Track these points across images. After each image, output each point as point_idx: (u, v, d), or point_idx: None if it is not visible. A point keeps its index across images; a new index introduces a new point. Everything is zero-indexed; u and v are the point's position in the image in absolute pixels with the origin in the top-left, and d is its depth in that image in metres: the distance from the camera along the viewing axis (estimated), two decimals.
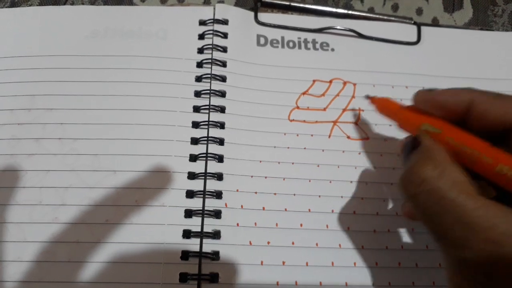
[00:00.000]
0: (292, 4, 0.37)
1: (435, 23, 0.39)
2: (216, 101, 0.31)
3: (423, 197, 0.20)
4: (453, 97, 0.22)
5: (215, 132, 0.30)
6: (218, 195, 0.28)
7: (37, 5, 0.37)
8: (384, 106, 0.28)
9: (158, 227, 0.27)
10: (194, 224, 0.27)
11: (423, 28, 0.36)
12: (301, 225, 0.28)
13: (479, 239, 0.17)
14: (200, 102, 0.31)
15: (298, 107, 0.32)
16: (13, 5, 0.37)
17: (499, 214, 0.18)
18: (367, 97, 0.30)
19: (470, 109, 0.22)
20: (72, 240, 0.27)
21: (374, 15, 0.37)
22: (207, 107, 0.31)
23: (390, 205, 0.29)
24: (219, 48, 0.33)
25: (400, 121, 0.26)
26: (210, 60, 0.32)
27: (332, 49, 0.35)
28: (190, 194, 0.28)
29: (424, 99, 0.24)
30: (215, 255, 0.27)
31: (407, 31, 0.36)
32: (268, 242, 0.27)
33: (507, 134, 0.21)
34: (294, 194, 0.29)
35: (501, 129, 0.21)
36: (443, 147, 0.21)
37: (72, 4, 0.37)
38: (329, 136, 0.31)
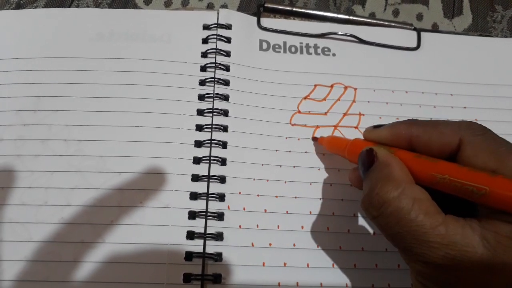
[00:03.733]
0: (294, 9, 0.37)
1: (435, 28, 0.39)
2: (219, 104, 0.32)
3: (384, 219, 0.20)
4: (394, 135, 0.24)
5: (218, 135, 0.31)
6: (221, 197, 0.29)
7: (43, 7, 0.37)
8: (332, 144, 0.29)
9: (162, 228, 0.28)
10: (197, 225, 0.28)
11: (423, 34, 0.37)
12: (302, 227, 0.29)
13: (438, 256, 0.19)
14: (203, 105, 0.32)
15: (299, 112, 0.33)
16: (18, 7, 0.37)
17: (457, 231, 0.19)
18: (313, 139, 0.31)
19: (412, 143, 0.23)
20: (77, 240, 0.27)
21: (375, 21, 0.37)
22: (211, 110, 0.31)
23: None
24: (222, 53, 0.34)
25: (350, 152, 0.26)
26: (213, 64, 0.33)
27: (334, 54, 0.35)
28: (194, 196, 0.29)
29: (371, 137, 0.25)
30: (218, 256, 0.27)
31: (407, 37, 0.37)
32: (270, 244, 0.28)
33: (457, 152, 0.21)
34: (296, 197, 0.30)
35: (448, 153, 0.22)
36: (399, 159, 0.22)
37: (77, 6, 0.38)
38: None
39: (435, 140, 0.22)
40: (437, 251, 0.19)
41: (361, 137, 0.31)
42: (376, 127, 0.25)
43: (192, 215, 0.28)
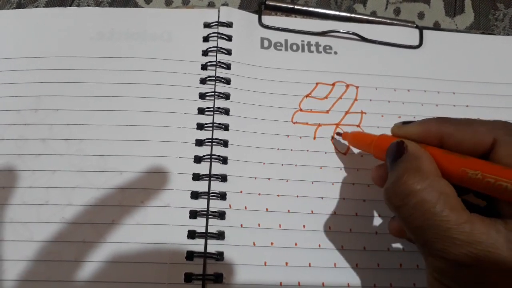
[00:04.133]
0: (296, 7, 0.37)
1: (436, 27, 0.39)
2: (220, 103, 0.32)
3: (408, 210, 0.20)
4: (424, 132, 0.23)
5: (219, 134, 0.31)
6: (222, 196, 0.29)
7: (43, 7, 0.37)
8: (356, 139, 0.29)
9: (164, 227, 0.28)
10: (198, 224, 0.28)
11: (425, 32, 0.37)
12: (304, 226, 0.29)
13: (460, 253, 0.18)
14: (204, 104, 0.32)
15: (301, 110, 0.33)
16: (19, 6, 0.37)
17: (482, 230, 0.18)
18: (337, 134, 0.31)
19: (443, 140, 0.22)
20: (79, 240, 0.27)
21: (376, 19, 0.37)
22: (212, 109, 0.31)
23: None
24: (223, 51, 0.33)
25: (376, 147, 0.26)
26: (214, 62, 0.33)
27: (335, 52, 0.35)
28: (195, 195, 0.29)
29: (399, 133, 0.25)
30: (219, 256, 0.27)
31: (409, 35, 0.36)
32: (272, 243, 0.28)
33: (490, 152, 0.21)
34: (297, 196, 0.29)
35: (480, 153, 0.21)
36: (429, 153, 0.22)
37: (78, 5, 0.37)
38: (332, 139, 0.32)
39: (468, 138, 0.21)
40: (460, 248, 0.18)
41: None
42: (406, 123, 0.24)
43: (193, 214, 0.28)
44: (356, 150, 0.31)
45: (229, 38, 0.34)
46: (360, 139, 0.29)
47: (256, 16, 0.36)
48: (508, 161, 0.20)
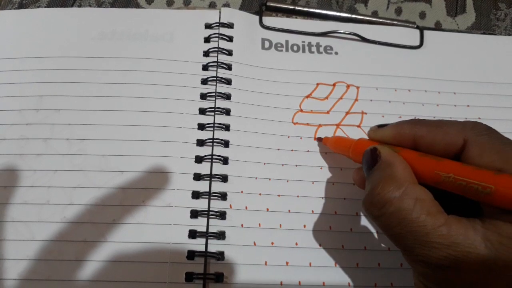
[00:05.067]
0: (296, 8, 0.37)
1: (438, 26, 0.39)
2: (221, 103, 0.32)
3: (386, 219, 0.20)
4: (398, 135, 0.24)
5: (220, 134, 0.31)
6: (223, 196, 0.29)
7: (45, 7, 0.37)
8: (337, 144, 0.29)
9: (165, 227, 0.28)
10: (199, 224, 0.28)
11: (425, 32, 0.37)
12: (304, 226, 0.29)
13: (439, 256, 0.19)
14: (205, 104, 0.32)
15: (302, 110, 0.33)
16: (21, 6, 0.37)
17: (459, 231, 0.18)
18: (317, 139, 0.31)
19: (416, 142, 0.23)
20: (80, 239, 0.27)
21: (377, 19, 0.37)
22: (213, 109, 0.31)
23: None
24: (224, 51, 0.33)
25: (354, 152, 0.26)
26: (215, 63, 0.33)
27: (336, 53, 0.35)
28: (196, 195, 0.29)
29: (375, 137, 0.25)
30: (220, 255, 0.27)
31: (410, 35, 0.37)
32: (272, 243, 0.28)
33: (462, 152, 0.21)
34: (298, 196, 0.30)
35: (453, 153, 0.22)
36: (403, 158, 0.22)
37: (80, 6, 0.38)
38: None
39: (439, 140, 0.22)
40: (439, 251, 0.18)
41: (364, 136, 0.31)
42: (381, 126, 0.25)
43: (194, 214, 0.28)
44: None
45: (230, 39, 0.34)
46: (339, 144, 0.29)
47: (257, 17, 0.36)
48: (478, 161, 0.20)
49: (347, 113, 0.33)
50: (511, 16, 0.40)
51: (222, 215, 0.28)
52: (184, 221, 0.28)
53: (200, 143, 0.30)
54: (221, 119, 0.31)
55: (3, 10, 0.37)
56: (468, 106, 0.34)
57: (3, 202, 0.28)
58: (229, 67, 0.33)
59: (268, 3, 0.37)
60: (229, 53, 0.34)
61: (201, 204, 0.29)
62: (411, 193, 0.20)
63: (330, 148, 0.30)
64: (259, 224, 0.28)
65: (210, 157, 0.30)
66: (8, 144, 0.30)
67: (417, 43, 0.36)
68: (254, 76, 0.33)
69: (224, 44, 0.34)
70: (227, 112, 0.31)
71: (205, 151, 0.30)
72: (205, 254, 0.27)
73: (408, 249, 0.20)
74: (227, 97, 0.32)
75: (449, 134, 0.22)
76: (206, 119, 0.31)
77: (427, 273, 0.20)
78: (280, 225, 0.28)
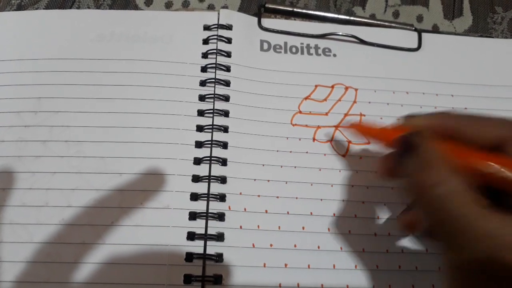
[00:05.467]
0: (295, 10, 0.37)
1: (435, 30, 0.39)
2: (220, 105, 0.32)
3: (427, 205, 0.20)
4: (433, 125, 0.23)
5: (219, 136, 0.31)
6: (221, 198, 0.29)
7: (44, 9, 0.37)
8: (366, 128, 0.28)
9: (163, 229, 0.28)
10: (198, 226, 0.28)
11: (423, 35, 0.37)
12: (303, 228, 0.29)
13: (479, 248, 0.18)
14: (204, 106, 0.32)
15: (300, 112, 0.33)
16: (19, 8, 0.37)
17: (502, 224, 0.18)
18: (346, 123, 0.31)
19: (448, 134, 0.22)
20: (78, 241, 0.27)
21: (375, 21, 0.37)
22: (211, 111, 0.31)
23: (391, 209, 0.30)
24: (223, 53, 0.34)
25: (386, 139, 0.25)
26: (214, 65, 0.33)
27: (334, 55, 0.35)
28: (194, 196, 0.29)
29: (409, 124, 0.24)
30: (218, 257, 0.27)
31: (408, 38, 0.37)
32: (271, 245, 0.28)
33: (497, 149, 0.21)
34: (296, 198, 0.30)
35: (487, 149, 0.21)
36: (442, 146, 0.21)
37: (78, 8, 0.38)
38: (331, 141, 0.32)
39: (475, 134, 0.21)
40: (478, 242, 0.18)
41: (364, 139, 0.31)
42: (413, 116, 0.24)
43: (193, 216, 0.28)
44: (355, 152, 0.31)
45: (228, 41, 0.34)
46: (369, 129, 0.28)
47: (255, 19, 0.36)
48: None
49: (345, 114, 0.33)
50: (507, 19, 0.40)
51: (220, 217, 0.28)
52: (182, 223, 0.28)
53: (199, 144, 0.30)
54: (219, 120, 0.31)
55: (2, 11, 0.37)
56: (465, 108, 0.34)
57: (1, 204, 0.28)
58: (227, 69, 0.33)
59: (266, 5, 0.37)
60: (228, 54, 0.34)
61: (199, 206, 0.28)
62: (453, 180, 0.19)
63: (359, 133, 0.29)
64: (258, 226, 0.28)
65: (209, 158, 0.30)
66: (7, 146, 0.30)
67: (415, 45, 0.36)
68: (253, 78, 0.33)
69: (222, 46, 0.34)
70: (225, 113, 0.31)
71: (203, 152, 0.30)
72: (204, 256, 0.27)
73: (447, 238, 0.19)
74: (226, 98, 0.32)
75: (487, 128, 0.21)
76: (204, 121, 0.31)
77: (462, 264, 0.19)
78: (279, 227, 0.28)
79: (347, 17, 0.37)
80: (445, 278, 0.21)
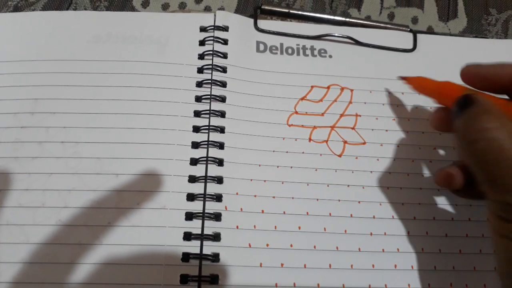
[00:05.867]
0: (291, 11, 0.37)
1: (430, 31, 0.40)
2: (216, 106, 0.32)
3: (482, 144, 0.21)
4: (498, 70, 0.25)
5: (215, 137, 0.31)
6: (218, 198, 0.29)
7: (40, 10, 0.37)
8: (421, 84, 0.30)
9: (159, 229, 0.28)
10: (194, 226, 0.28)
11: (419, 36, 0.37)
12: (299, 227, 0.29)
13: None
14: (200, 107, 0.32)
15: (296, 112, 0.33)
16: (16, 9, 0.37)
17: None
18: (401, 78, 0.32)
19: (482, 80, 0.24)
20: (75, 242, 0.27)
21: (371, 23, 0.38)
22: (208, 112, 0.31)
23: (387, 209, 0.30)
24: (219, 54, 0.34)
25: (441, 95, 0.27)
26: (210, 66, 0.33)
27: (330, 56, 0.35)
28: (191, 197, 0.29)
29: (470, 71, 0.26)
30: (215, 257, 0.27)
31: (404, 39, 0.37)
32: (267, 245, 0.28)
33: None
34: (293, 198, 0.30)
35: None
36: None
37: (75, 9, 0.38)
38: (327, 141, 0.32)
39: (497, 73, 0.24)
40: None
41: (360, 139, 0.32)
42: (477, 64, 0.26)
43: (189, 216, 0.28)
44: (351, 152, 0.32)
45: (225, 42, 0.34)
46: (425, 84, 0.30)
47: (251, 20, 0.36)
48: None
49: (341, 115, 0.33)
50: (502, 21, 0.41)
51: (217, 217, 0.28)
52: (179, 223, 0.28)
53: (195, 145, 0.30)
54: (216, 121, 0.31)
55: None
56: None
57: None
58: (224, 70, 0.33)
59: (263, 7, 0.37)
60: (224, 56, 0.34)
61: (196, 206, 0.29)
62: (509, 126, 0.21)
63: (415, 88, 0.31)
64: (254, 226, 0.28)
65: (205, 159, 0.30)
66: (3, 147, 0.30)
67: (411, 46, 0.37)
68: (249, 79, 0.33)
69: (219, 47, 0.34)
70: (222, 114, 0.32)
71: (200, 153, 0.30)
72: (200, 256, 0.27)
73: (497, 178, 0.21)
74: (222, 99, 0.32)
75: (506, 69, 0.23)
76: (201, 121, 0.31)
77: (510, 204, 0.20)
78: (275, 227, 0.29)
79: (343, 19, 0.37)
80: (489, 217, 0.22)
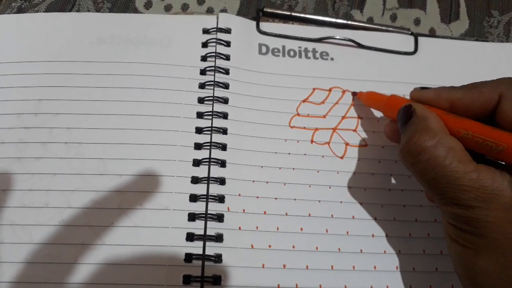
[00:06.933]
0: (293, 14, 0.38)
1: (432, 33, 0.40)
2: (219, 107, 0.32)
3: (421, 165, 0.22)
4: (437, 97, 0.26)
5: (218, 138, 0.31)
6: (220, 199, 0.29)
7: (44, 12, 0.38)
8: (370, 98, 0.32)
9: (162, 230, 0.28)
10: (197, 227, 0.28)
11: (420, 39, 0.37)
12: (301, 229, 0.29)
13: (469, 198, 0.21)
14: (203, 108, 0.32)
15: (298, 114, 0.33)
16: (20, 11, 0.37)
17: (488, 176, 0.21)
18: (353, 93, 0.34)
19: (453, 105, 0.25)
20: (78, 242, 0.27)
21: (372, 26, 0.38)
22: (210, 113, 0.32)
23: (388, 210, 0.30)
24: (222, 56, 0.34)
25: (386, 106, 0.29)
26: (213, 68, 0.33)
27: (332, 59, 0.36)
28: (194, 198, 0.29)
29: (416, 96, 0.27)
30: (217, 258, 0.27)
31: (405, 42, 0.37)
32: (269, 246, 0.28)
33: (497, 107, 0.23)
34: (295, 199, 0.30)
35: (490, 111, 0.23)
36: (435, 113, 0.24)
37: (78, 11, 0.38)
38: (329, 143, 0.32)
39: (475, 99, 0.24)
40: (469, 193, 0.21)
41: (362, 141, 0.32)
42: (423, 88, 0.27)
43: (192, 217, 0.28)
44: (352, 154, 0.32)
45: (227, 44, 0.35)
46: (372, 98, 0.32)
47: (254, 23, 0.36)
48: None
49: (343, 117, 0.33)
50: (503, 23, 0.41)
51: (219, 218, 0.28)
52: (181, 224, 0.28)
53: (198, 146, 0.31)
54: (218, 122, 0.31)
55: (2, 14, 0.37)
56: None
57: (1, 205, 0.28)
58: (226, 72, 0.33)
59: (265, 9, 0.37)
60: (227, 57, 0.34)
61: (198, 207, 0.29)
62: (445, 142, 0.22)
63: (364, 102, 0.33)
64: (257, 227, 0.29)
65: (208, 160, 0.30)
66: (7, 147, 0.30)
67: (412, 49, 0.37)
68: (251, 81, 0.34)
69: (221, 49, 0.34)
70: (224, 116, 0.32)
71: (202, 154, 0.30)
72: (203, 257, 0.27)
73: (441, 192, 0.22)
74: (225, 101, 0.32)
75: (484, 93, 0.23)
76: (203, 123, 0.31)
77: (457, 214, 0.22)
78: (277, 228, 0.29)
79: (345, 21, 0.38)
80: (443, 224, 0.24)
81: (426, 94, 0.26)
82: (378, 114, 0.34)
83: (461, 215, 0.22)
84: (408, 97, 0.28)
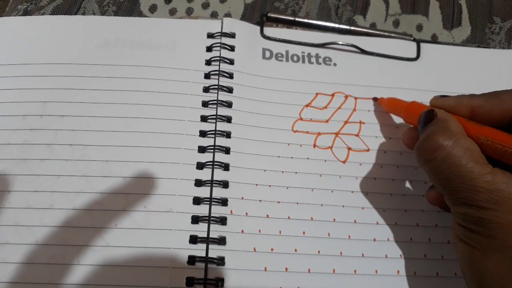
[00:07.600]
0: (297, 19, 0.38)
1: (434, 39, 0.40)
2: (222, 111, 0.32)
3: (437, 163, 0.23)
4: (458, 104, 0.26)
5: (221, 141, 0.31)
6: (223, 202, 0.29)
7: (50, 14, 0.38)
8: (391, 104, 0.32)
9: (166, 232, 0.28)
10: (200, 230, 0.28)
11: (422, 45, 0.38)
12: (303, 232, 0.29)
13: (482, 199, 0.21)
14: (207, 112, 0.32)
15: (301, 119, 0.33)
16: (26, 13, 0.38)
17: (502, 180, 0.21)
18: (374, 99, 0.34)
19: (474, 113, 0.25)
20: (82, 244, 0.28)
21: (375, 31, 0.38)
22: (214, 116, 0.32)
23: (390, 215, 0.30)
24: (226, 60, 0.34)
25: (407, 114, 0.30)
26: (217, 72, 0.34)
27: (335, 64, 0.36)
28: (197, 200, 0.29)
29: (436, 103, 0.28)
30: (220, 261, 0.27)
31: (407, 48, 0.37)
32: (272, 249, 0.28)
33: None
34: (297, 203, 0.30)
35: (510, 119, 0.24)
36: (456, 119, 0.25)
37: (83, 14, 0.38)
38: (331, 147, 0.32)
39: (495, 107, 0.24)
40: (482, 195, 0.21)
41: (364, 146, 0.32)
42: (443, 96, 0.28)
43: (195, 219, 0.28)
44: (355, 158, 0.32)
45: (231, 48, 0.35)
46: (393, 104, 0.32)
47: (258, 28, 0.37)
48: None
49: (345, 122, 0.34)
50: (505, 29, 0.41)
51: (222, 221, 0.29)
52: (185, 227, 0.28)
53: (202, 149, 0.31)
54: (222, 126, 0.32)
55: (8, 16, 0.37)
56: None
57: (7, 206, 0.29)
58: (230, 76, 0.34)
59: (269, 14, 0.38)
60: (231, 62, 0.34)
61: (202, 210, 0.29)
62: (462, 142, 0.22)
63: (384, 107, 0.33)
64: (259, 230, 0.29)
65: (211, 163, 0.30)
66: (12, 149, 0.30)
67: (414, 55, 0.37)
68: (255, 85, 0.34)
69: (226, 53, 0.35)
70: (228, 119, 0.32)
71: (206, 157, 0.31)
72: (206, 260, 0.27)
73: (453, 192, 0.22)
74: (229, 105, 0.33)
75: (505, 101, 0.24)
76: (207, 126, 0.32)
77: (467, 214, 0.22)
78: (280, 231, 0.29)
79: (347, 27, 0.38)
80: (453, 227, 0.24)
81: (447, 102, 0.27)
82: (380, 119, 0.34)
83: (471, 215, 0.22)
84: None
